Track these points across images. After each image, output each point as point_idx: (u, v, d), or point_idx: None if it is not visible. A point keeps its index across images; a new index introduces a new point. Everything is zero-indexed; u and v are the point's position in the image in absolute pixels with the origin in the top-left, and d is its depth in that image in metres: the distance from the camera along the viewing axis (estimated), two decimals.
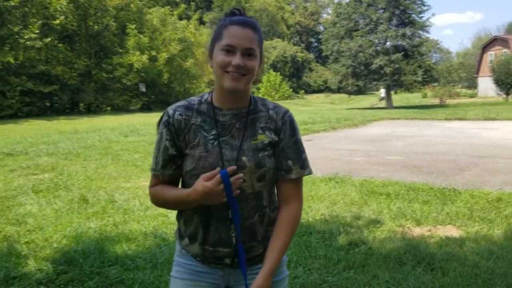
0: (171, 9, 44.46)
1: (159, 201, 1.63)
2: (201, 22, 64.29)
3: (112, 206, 5.70)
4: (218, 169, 1.44)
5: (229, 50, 1.46)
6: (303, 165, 1.61)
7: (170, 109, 1.58)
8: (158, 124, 1.60)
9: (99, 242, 4.26)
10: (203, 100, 1.59)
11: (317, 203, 5.60)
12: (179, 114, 1.55)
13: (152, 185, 1.64)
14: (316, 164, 8.80)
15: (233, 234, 1.52)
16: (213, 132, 1.53)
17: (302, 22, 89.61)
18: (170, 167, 1.58)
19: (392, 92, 35.97)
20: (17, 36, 27.06)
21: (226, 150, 1.51)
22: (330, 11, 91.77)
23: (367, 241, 4.18)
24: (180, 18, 45.94)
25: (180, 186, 1.64)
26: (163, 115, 1.59)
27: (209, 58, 1.56)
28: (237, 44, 1.46)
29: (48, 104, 31.69)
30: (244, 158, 1.51)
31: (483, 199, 5.60)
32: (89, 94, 33.11)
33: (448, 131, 14.94)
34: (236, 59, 1.45)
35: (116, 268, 3.67)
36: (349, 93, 39.82)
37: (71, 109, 33.81)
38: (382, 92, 40.15)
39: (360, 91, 40.29)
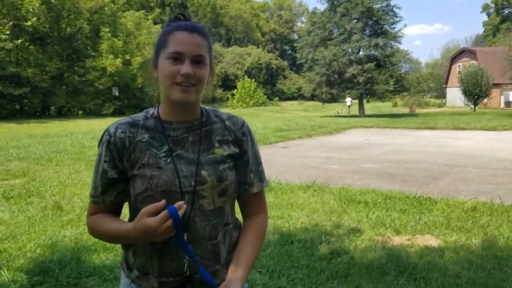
0: (145, 13, 44.17)
1: (96, 234, 1.42)
2: None
3: None
4: (163, 202, 1.27)
5: (176, 58, 1.32)
6: (261, 177, 1.52)
7: (111, 127, 1.39)
8: (98, 145, 1.42)
9: (75, 252, 4.14)
10: (149, 116, 1.42)
11: (296, 211, 5.60)
12: (122, 132, 1.37)
13: (90, 213, 1.44)
14: (293, 172, 8.84)
15: (186, 262, 1.35)
16: (164, 148, 1.36)
17: (276, 29, 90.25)
18: (111, 193, 1.40)
19: (364, 101, 36.53)
20: None
21: (181, 165, 1.35)
22: (304, 20, 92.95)
23: (349, 251, 4.19)
24: (155, 23, 45.65)
25: (128, 211, 1.43)
26: (103, 134, 1.40)
27: (154, 67, 1.39)
28: (185, 51, 1.32)
29: (17, 107, 30.96)
30: (203, 172, 1.36)
31: (459, 208, 5.70)
32: (61, 97, 32.47)
33: (419, 140, 15.23)
34: (185, 68, 1.31)
35: (94, 279, 3.57)
36: (323, 101, 40.32)
37: (42, 112, 33.09)
38: (348, 100, 41.52)
39: (333, 99, 40.85)
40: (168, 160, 1.36)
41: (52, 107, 34.17)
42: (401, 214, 5.43)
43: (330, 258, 4.01)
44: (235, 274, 1.37)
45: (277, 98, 69.66)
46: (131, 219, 1.38)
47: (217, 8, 78.09)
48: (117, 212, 1.46)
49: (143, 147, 1.36)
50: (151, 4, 69.86)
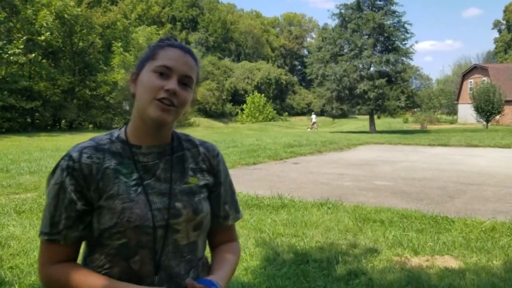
0: (157, 28, 44.65)
1: None
2: (187, 42, 64.67)
3: None
4: None
5: (163, 73, 1.20)
6: (237, 208, 1.43)
7: (73, 152, 1.22)
8: (53, 173, 1.24)
9: None
10: (114, 138, 1.28)
11: (311, 230, 5.49)
12: (88, 157, 1.21)
13: (47, 259, 1.22)
14: (306, 188, 8.73)
15: None
16: (134, 176, 1.23)
17: (286, 45, 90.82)
18: (76, 228, 1.21)
19: (375, 117, 36.38)
20: (0, 51, 26.71)
21: (153, 196, 1.22)
22: (314, 35, 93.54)
23: (367, 271, 4.07)
24: None
25: (85, 249, 1.28)
26: (61, 161, 1.23)
27: (132, 82, 1.28)
28: (175, 68, 1.21)
29: (29, 120, 31.22)
30: (178, 205, 1.24)
31: (477, 228, 5.56)
32: (72, 111, 32.70)
33: (432, 157, 15.05)
34: (171, 84, 1.19)
35: None
36: (333, 116, 40.22)
37: (53, 126, 33.35)
38: (313, 117, 43.87)
39: (343, 115, 40.75)
40: (139, 190, 1.22)
41: (63, 121, 34.43)
42: (419, 234, 5.30)
43: (348, 279, 3.90)
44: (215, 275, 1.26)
45: (286, 113, 69.76)
46: (89, 255, 1.25)
47: (228, 23, 78.82)
48: (77, 256, 1.26)
49: (111, 175, 1.22)
50: (163, 20, 70.73)
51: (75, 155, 1.21)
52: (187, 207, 1.25)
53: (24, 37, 28.46)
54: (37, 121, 31.92)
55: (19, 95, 28.59)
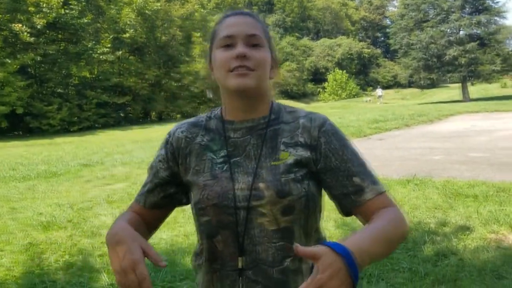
0: None
1: None
2: None
3: (183, 215, 5.63)
4: (163, 263, 1.01)
5: (228, 44, 1.15)
6: (374, 180, 1.15)
7: (174, 127, 1.30)
8: None
9: (170, 254, 4.19)
10: (212, 116, 1.27)
11: None
12: (181, 131, 1.26)
13: (127, 208, 1.32)
14: (391, 166, 8.33)
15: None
16: (222, 152, 1.19)
17: (367, 17, 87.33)
18: (157, 194, 1.26)
19: (469, 84, 33.97)
20: (91, 51, 28.60)
21: (239, 175, 1.15)
22: (396, 4, 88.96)
23: (457, 251, 3.77)
24: None
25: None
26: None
27: (212, 70, 1.25)
28: (236, 33, 1.15)
29: (122, 114, 33.25)
30: (261, 185, 1.12)
31: None
32: (160, 103, 34.28)
33: None
34: (238, 49, 1.13)
35: (187, 283, 3.56)
36: (421, 87, 38.12)
37: (144, 118, 35.25)
38: (379, 91, 41.74)
39: (433, 85, 38.38)
40: (225, 168, 1.17)
41: (153, 113, 36.22)
42: None
43: (436, 260, 3.63)
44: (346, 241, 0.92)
45: (371, 88, 67.46)
46: (196, 231, 1.24)
47: (304, 1, 77.46)
48: (152, 223, 1.28)
49: (200, 150, 1.22)
50: (239, 6, 71.21)
51: (172, 129, 1.30)
52: (270, 188, 1.12)
53: (111, 36, 30.22)
54: (130, 114, 33.89)
55: (111, 91, 30.50)
